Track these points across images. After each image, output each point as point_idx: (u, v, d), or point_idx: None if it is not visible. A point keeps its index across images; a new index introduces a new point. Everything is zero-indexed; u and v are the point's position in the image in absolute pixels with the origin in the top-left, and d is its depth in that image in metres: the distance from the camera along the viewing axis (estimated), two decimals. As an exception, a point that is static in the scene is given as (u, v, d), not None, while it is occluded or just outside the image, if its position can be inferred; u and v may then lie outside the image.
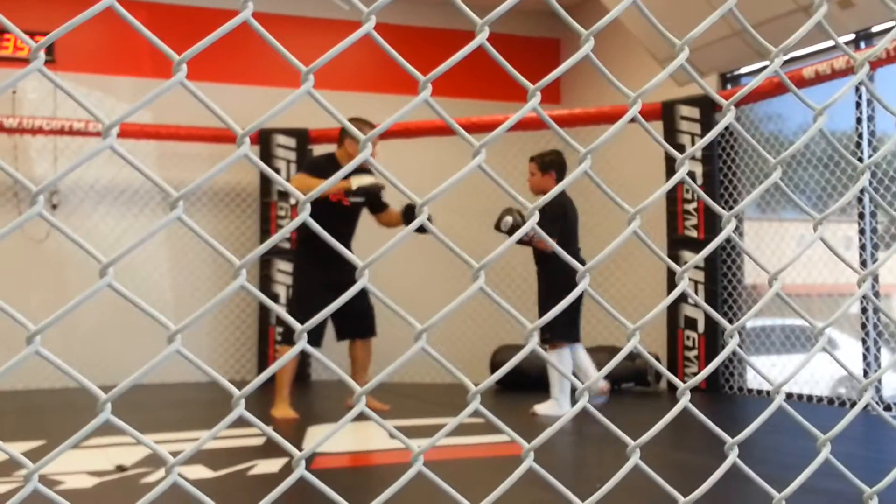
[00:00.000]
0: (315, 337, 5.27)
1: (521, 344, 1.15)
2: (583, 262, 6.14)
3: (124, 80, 8.36)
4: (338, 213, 5.76)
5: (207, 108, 1.01)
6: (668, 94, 7.46)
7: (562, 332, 5.71)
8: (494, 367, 7.57)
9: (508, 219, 5.56)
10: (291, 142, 8.42)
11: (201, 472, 3.81)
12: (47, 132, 7.87)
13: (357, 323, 5.95)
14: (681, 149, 7.29)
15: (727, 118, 1.34)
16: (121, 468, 3.87)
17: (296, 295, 5.91)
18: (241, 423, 1.10)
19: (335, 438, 4.35)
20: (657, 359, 7.54)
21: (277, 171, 8.35)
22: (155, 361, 0.97)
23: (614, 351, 7.36)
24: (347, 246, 5.66)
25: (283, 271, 8.33)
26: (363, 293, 2.05)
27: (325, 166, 5.70)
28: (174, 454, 1.02)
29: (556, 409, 5.76)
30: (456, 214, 8.15)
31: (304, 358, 8.09)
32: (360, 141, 1.09)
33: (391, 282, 8.52)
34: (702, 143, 1.29)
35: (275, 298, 8.28)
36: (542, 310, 5.78)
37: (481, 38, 1.15)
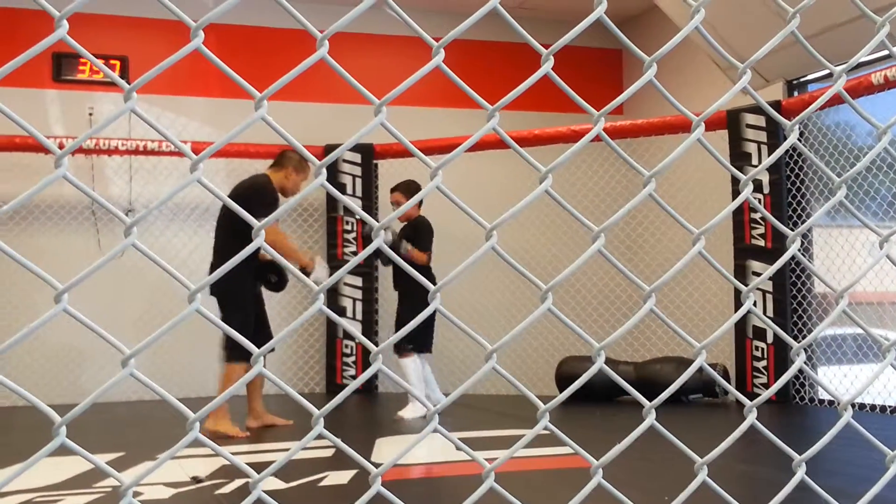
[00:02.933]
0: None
1: (586, 355, 1.19)
2: (434, 280, 6.58)
3: (195, 100, 8.59)
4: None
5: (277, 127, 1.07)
6: (734, 101, 7.39)
7: (419, 342, 6.40)
8: (560, 378, 7.56)
9: (403, 243, 6.40)
10: (357, 157, 8.54)
11: (274, 483, 3.90)
12: (122, 152, 8.12)
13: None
14: (747, 157, 7.22)
15: (790, 139, 1.36)
16: (196, 479, 3.99)
17: (237, 308, 5.56)
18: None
19: (401, 450, 4.41)
20: (725, 370, 7.45)
21: (343, 186, 8.47)
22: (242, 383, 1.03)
23: (682, 362, 7.29)
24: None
25: (351, 284, 8.45)
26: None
27: (273, 196, 5.69)
28: (251, 465, 1.07)
29: (419, 409, 6.35)
30: (523, 229, 8.19)
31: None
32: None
33: (457, 296, 8.60)
34: (764, 164, 1.31)
35: (342, 311, 8.40)
36: (401, 322, 6.47)
37: (546, 67, 1.20)
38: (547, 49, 1.21)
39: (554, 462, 4.34)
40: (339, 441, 1.12)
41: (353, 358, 8.50)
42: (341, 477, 4.02)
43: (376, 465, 4.17)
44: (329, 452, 4.61)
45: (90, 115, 8.24)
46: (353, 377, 8.47)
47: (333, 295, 8.46)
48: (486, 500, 1.32)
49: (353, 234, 8.54)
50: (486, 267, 6.87)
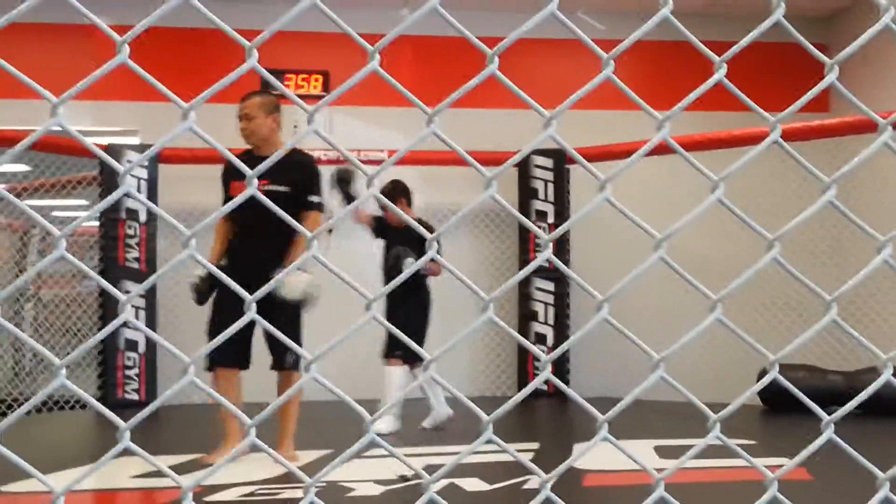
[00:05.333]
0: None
1: (791, 363, 1.17)
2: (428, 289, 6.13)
3: (391, 110, 8.88)
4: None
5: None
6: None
7: (410, 352, 5.90)
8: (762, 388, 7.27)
9: (409, 259, 5.88)
10: (549, 162, 8.56)
11: (478, 484, 4.01)
12: (324, 162, 8.50)
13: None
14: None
15: None
16: (403, 478, 4.16)
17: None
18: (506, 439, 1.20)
19: (596, 455, 4.40)
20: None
21: (535, 191, 8.51)
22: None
23: (813, 370, 6.94)
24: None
25: (542, 289, 8.48)
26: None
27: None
28: (428, 468, 1.12)
29: (443, 413, 6.02)
30: (700, 235, 7.93)
31: (561, 366, 8.19)
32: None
33: (630, 305, 8.43)
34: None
35: (534, 316, 8.45)
36: (405, 330, 5.75)
37: (719, 75, 1.18)
38: (719, 55, 1.19)
39: (729, 474, 4.19)
40: (508, 447, 1.15)
41: (545, 362, 8.51)
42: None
43: (576, 470, 4.15)
44: (529, 455, 4.66)
45: (294, 127, 8.69)
46: (547, 382, 8.48)
47: (525, 300, 8.52)
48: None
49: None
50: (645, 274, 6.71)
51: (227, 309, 4.64)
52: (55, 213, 11.01)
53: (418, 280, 6.11)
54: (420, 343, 6.02)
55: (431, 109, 1.14)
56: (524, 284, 8.47)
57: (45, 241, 9.02)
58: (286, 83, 8.81)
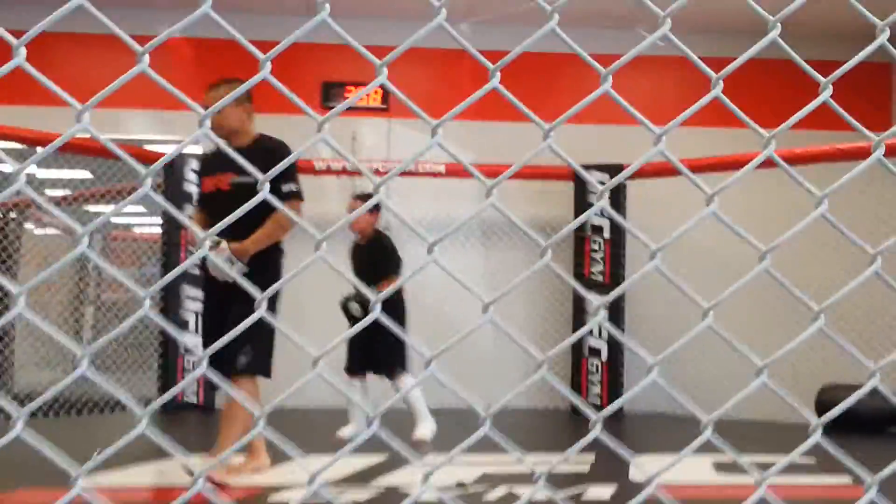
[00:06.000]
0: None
1: (852, 384, 1.16)
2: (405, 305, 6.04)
3: (449, 122, 8.92)
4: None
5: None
6: None
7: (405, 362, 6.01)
8: (819, 406, 7.14)
9: (355, 304, 5.86)
10: (606, 178, 8.53)
11: (538, 492, 4.02)
12: (382, 174, 8.59)
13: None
14: None
15: None
16: (461, 485, 4.19)
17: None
18: (563, 449, 1.21)
19: (654, 468, 4.40)
20: None
21: (589, 205, 8.48)
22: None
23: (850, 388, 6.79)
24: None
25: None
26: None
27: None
28: (514, 476, 1.14)
29: (431, 426, 5.99)
30: (804, 251, 7.80)
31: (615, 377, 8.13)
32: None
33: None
34: None
35: (588, 330, 8.41)
36: (393, 346, 5.83)
37: (825, 95, 1.19)
38: (822, 72, 1.19)
39: (822, 491, 4.15)
40: (508, 442, 1.16)
41: (598, 376, 8.47)
42: (602, 492, 4.06)
43: (635, 484, 4.16)
44: (586, 468, 4.65)
45: (353, 138, 8.79)
46: (599, 396, 8.43)
47: (580, 313, 8.48)
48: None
49: (601, 255, 8.53)
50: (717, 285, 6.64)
51: (211, 308, 4.52)
52: (115, 220, 11.24)
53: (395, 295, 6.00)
54: (405, 355, 6.09)
55: (435, 120, 1.16)
56: (579, 298, 8.44)
57: (106, 247, 9.23)
58: (347, 95, 8.92)
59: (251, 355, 4.26)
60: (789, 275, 1.16)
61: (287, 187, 4.33)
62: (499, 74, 1.16)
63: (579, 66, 1.44)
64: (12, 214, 8.36)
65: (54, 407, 7.12)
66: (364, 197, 6.28)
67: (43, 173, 9.01)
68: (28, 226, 8.64)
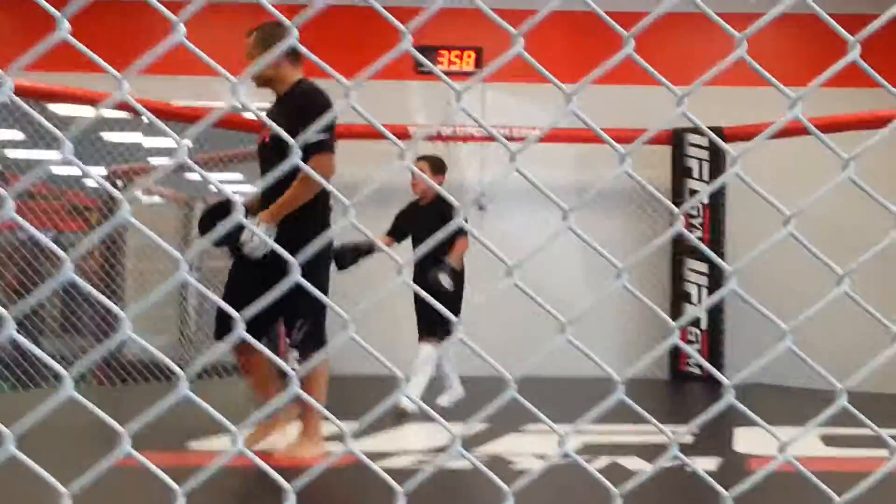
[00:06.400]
0: None
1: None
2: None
3: (544, 87, 8.82)
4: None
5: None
6: None
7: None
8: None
9: (444, 275, 5.41)
10: (704, 141, 8.33)
11: (637, 463, 4.02)
12: (477, 139, 8.56)
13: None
14: None
15: None
16: (565, 455, 4.20)
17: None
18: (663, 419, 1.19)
19: (758, 440, 4.35)
20: None
21: (689, 170, 8.30)
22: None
23: None
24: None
25: (696, 270, 8.28)
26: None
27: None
28: (615, 446, 1.12)
29: (458, 391, 5.80)
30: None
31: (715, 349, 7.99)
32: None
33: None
34: None
35: (686, 297, 8.27)
36: (450, 305, 5.33)
37: (853, 54, 1.11)
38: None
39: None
40: (534, 409, 1.13)
41: (697, 346, 8.33)
42: (707, 463, 4.02)
43: (739, 455, 4.05)
44: (689, 438, 4.61)
45: (448, 103, 8.76)
46: (698, 365, 8.29)
47: (678, 281, 8.34)
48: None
49: (700, 220, 8.34)
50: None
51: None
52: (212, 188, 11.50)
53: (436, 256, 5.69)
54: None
55: (571, 87, 1.13)
56: (677, 265, 8.30)
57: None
58: (439, 60, 8.89)
59: (303, 332, 4.03)
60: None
61: (315, 137, 3.88)
62: (633, 42, 1.12)
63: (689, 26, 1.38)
64: (119, 183, 8.65)
65: (166, 372, 7.38)
66: (427, 158, 6.05)
67: (148, 142, 9.24)
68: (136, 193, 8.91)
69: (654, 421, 1.21)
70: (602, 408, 1.14)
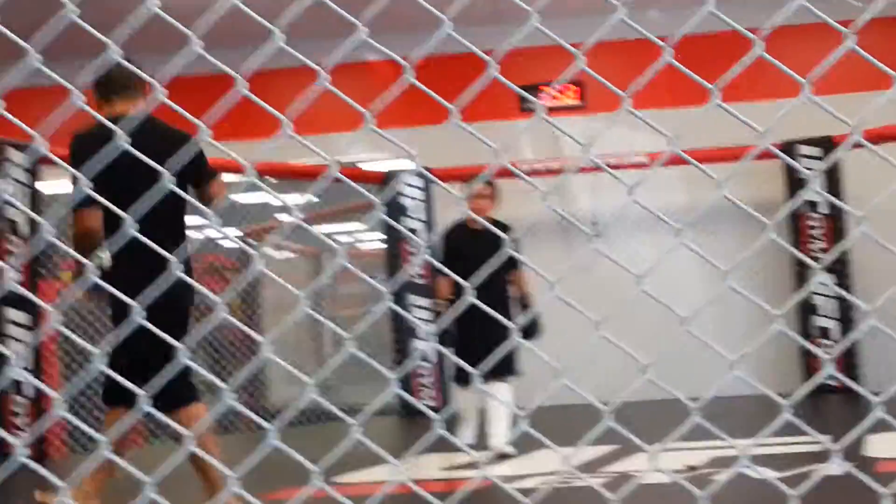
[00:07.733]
0: None
1: None
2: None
3: (644, 112, 8.89)
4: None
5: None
6: None
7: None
8: None
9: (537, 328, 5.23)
10: (816, 151, 8.23)
11: (767, 473, 4.08)
12: (588, 169, 8.70)
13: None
14: None
15: None
16: (691, 468, 4.31)
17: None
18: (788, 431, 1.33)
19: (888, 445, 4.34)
20: None
21: (801, 182, 8.21)
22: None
23: None
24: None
25: (821, 282, 8.17)
26: None
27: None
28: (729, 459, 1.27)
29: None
30: None
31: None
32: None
33: None
34: None
35: (813, 309, 8.16)
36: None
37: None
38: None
39: None
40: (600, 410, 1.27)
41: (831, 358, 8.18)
42: (834, 469, 4.04)
43: (868, 459, 4.12)
44: (816, 447, 4.60)
45: (556, 139, 8.94)
46: (832, 376, 8.13)
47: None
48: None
49: (822, 231, 8.24)
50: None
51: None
52: (338, 237, 11.98)
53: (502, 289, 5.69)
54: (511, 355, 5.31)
55: (673, 113, 1.29)
56: (802, 278, 8.19)
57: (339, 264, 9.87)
58: (542, 95, 9.09)
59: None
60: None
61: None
62: (761, 44, 1.28)
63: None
64: (251, 241, 9.14)
65: (305, 415, 7.73)
66: (490, 183, 5.92)
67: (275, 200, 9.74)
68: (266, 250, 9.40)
69: (813, 432, 1.32)
70: (774, 426, 1.25)
